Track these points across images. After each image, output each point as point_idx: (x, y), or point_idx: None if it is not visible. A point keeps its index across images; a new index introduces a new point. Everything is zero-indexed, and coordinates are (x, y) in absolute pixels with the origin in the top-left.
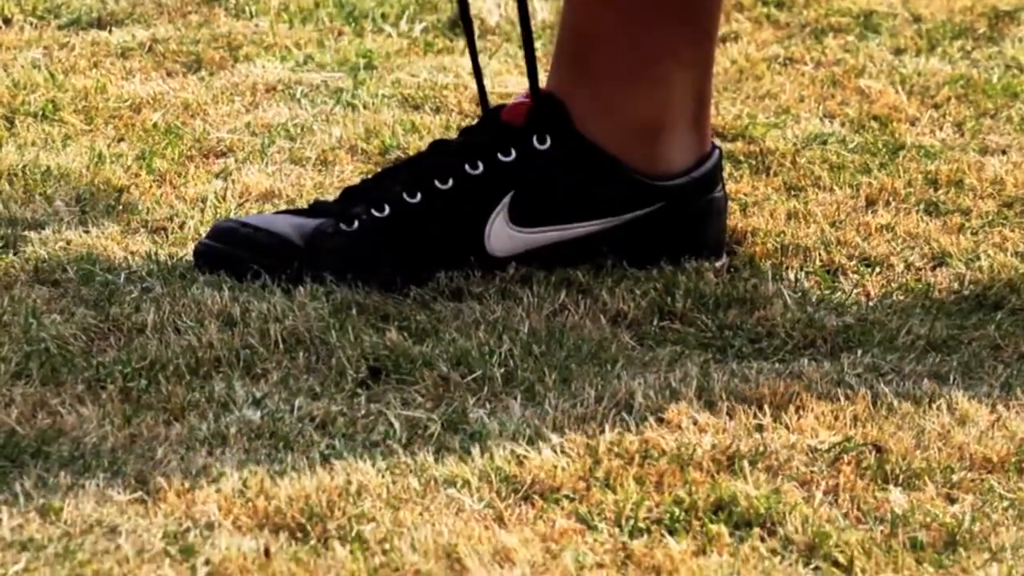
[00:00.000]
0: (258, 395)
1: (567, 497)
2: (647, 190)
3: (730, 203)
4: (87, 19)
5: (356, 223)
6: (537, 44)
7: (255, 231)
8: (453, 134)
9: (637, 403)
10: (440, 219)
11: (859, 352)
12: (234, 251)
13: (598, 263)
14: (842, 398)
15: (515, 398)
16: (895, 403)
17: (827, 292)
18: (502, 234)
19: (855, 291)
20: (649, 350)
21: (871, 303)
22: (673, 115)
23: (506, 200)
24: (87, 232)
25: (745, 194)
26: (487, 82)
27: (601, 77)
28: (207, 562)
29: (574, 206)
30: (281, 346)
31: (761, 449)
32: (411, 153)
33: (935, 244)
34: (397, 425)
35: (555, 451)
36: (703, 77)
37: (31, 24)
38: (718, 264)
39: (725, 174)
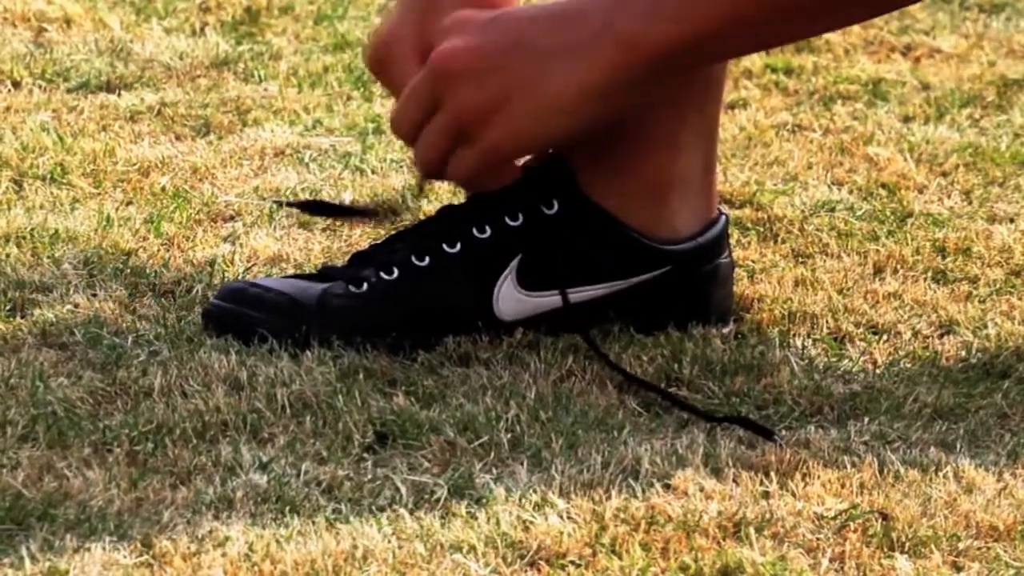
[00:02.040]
0: (265, 459)
1: (573, 563)
2: (653, 254)
3: (737, 269)
4: (96, 82)
5: (365, 285)
6: None
7: (264, 291)
8: (461, 199)
9: (643, 469)
10: (448, 282)
11: (866, 420)
12: (243, 311)
13: (605, 329)
14: (848, 466)
15: (521, 463)
16: (901, 471)
17: (834, 360)
18: (510, 298)
19: (862, 359)
20: (656, 417)
21: (878, 371)
22: (679, 179)
23: (514, 264)
24: (94, 295)
25: (753, 261)
26: None
27: (608, 141)
28: None
29: (580, 269)
30: (288, 410)
31: (767, 516)
32: (420, 218)
33: (942, 312)
34: (403, 490)
35: (561, 517)
36: (709, 142)
37: (40, 87)
38: (725, 330)
39: (733, 240)
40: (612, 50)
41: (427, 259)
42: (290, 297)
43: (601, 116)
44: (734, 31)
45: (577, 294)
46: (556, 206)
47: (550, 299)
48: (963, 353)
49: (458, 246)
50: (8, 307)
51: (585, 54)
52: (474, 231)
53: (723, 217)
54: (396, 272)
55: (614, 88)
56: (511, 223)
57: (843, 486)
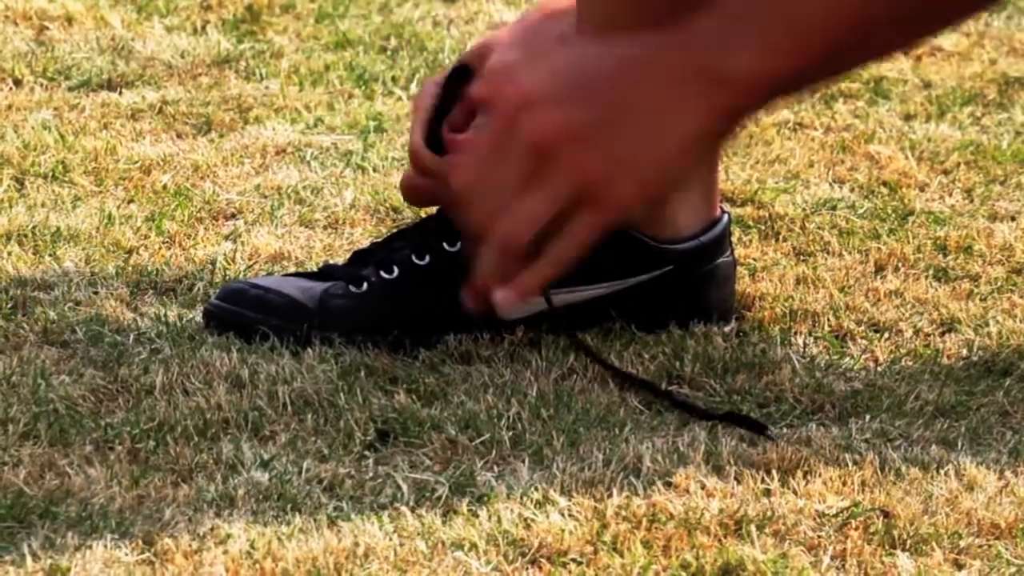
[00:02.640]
0: (266, 457)
1: (574, 561)
2: (655, 253)
3: (739, 268)
4: (97, 81)
5: (365, 285)
6: None
7: (265, 292)
8: None
9: (645, 467)
10: (449, 281)
11: (867, 417)
12: (243, 312)
13: (607, 327)
14: (850, 463)
15: (523, 461)
16: (903, 468)
17: (836, 357)
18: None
19: (863, 357)
20: (657, 414)
21: (879, 369)
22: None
23: None
24: (96, 293)
25: (754, 259)
26: None
27: None
28: None
29: (583, 269)
30: (289, 408)
31: (769, 514)
32: (421, 216)
33: (944, 310)
34: (405, 488)
35: (563, 515)
36: None
37: (41, 85)
38: (727, 329)
39: (734, 239)
40: (718, 91)
41: (427, 258)
42: (291, 298)
43: (712, 149)
44: (846, 51)
45: (578, 293)
46: None
47: (552, 298)
48: (964, 351)
49: (458, 244)
50: (10, 305)
51: (691, 98)
52: None
53: (725, 216)
54: (396, 271)
55: (724, 125)
56: None
57: (844, 484)
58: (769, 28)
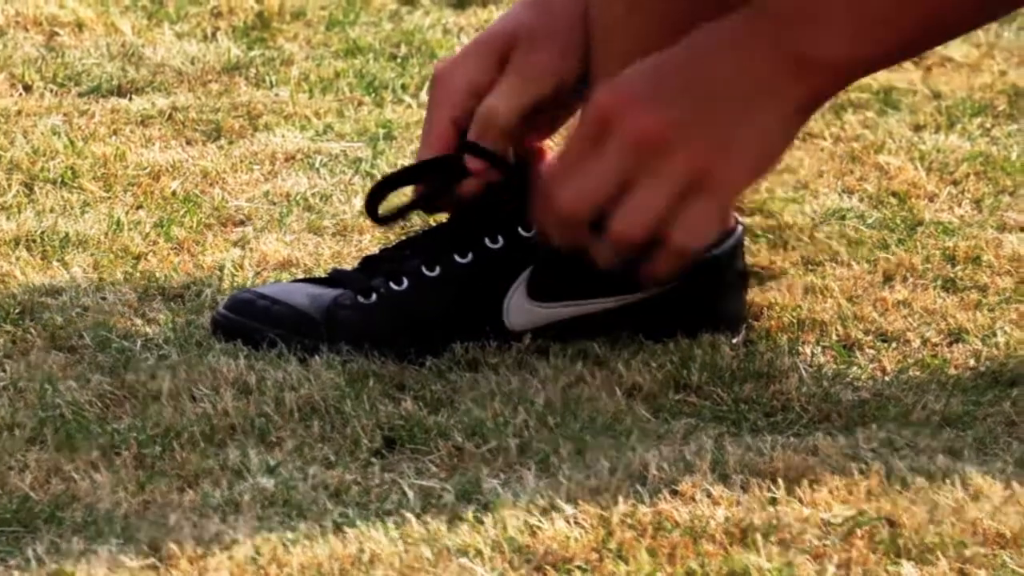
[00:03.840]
0: (272, 463)
1: (580, 568)
2: None
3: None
4: (107, 87)
5: (374, 296)
6: None
7: (272, 303)
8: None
9: (651, 475)
10: (458, 293)
11: (874, 427)
12: (250, 323)
13: (614, 335)
14: (856, 472)
15: (529, 469)
16: (909, 478)
17: (843, 367)
18: (520, 308)
19: (871, 366)
20: (664, 422)
21: (887, 378)
22: None
23: (525, 275)
24: (104, 299)
25: (763, 268)
26: None
27: None
28: None
29: (593, 282)
30: (296, 415)
31: (774, 522)
32: (431, 223)
33: (952, 320)
34: (411, 494)
35: (568, 522)
36: None
37: (51, 91)
38: (734, 339)
39: (744, 249)
40: (807, 77)
41: (437, 269)
42: (297, 310)
43: (798, 132)
44: (935, 31)
45: (588, 306)
46: None
47: (560, 310)
48: (972, 361)
49: (469, 256)
50: (17, 310)
51: (779, 87)
52: (486, 241)
53: (740, 227)
54: (406, 282)
55: (812, 109)
56: (524, 234)
57: (850, 493)
58: (858, 14)
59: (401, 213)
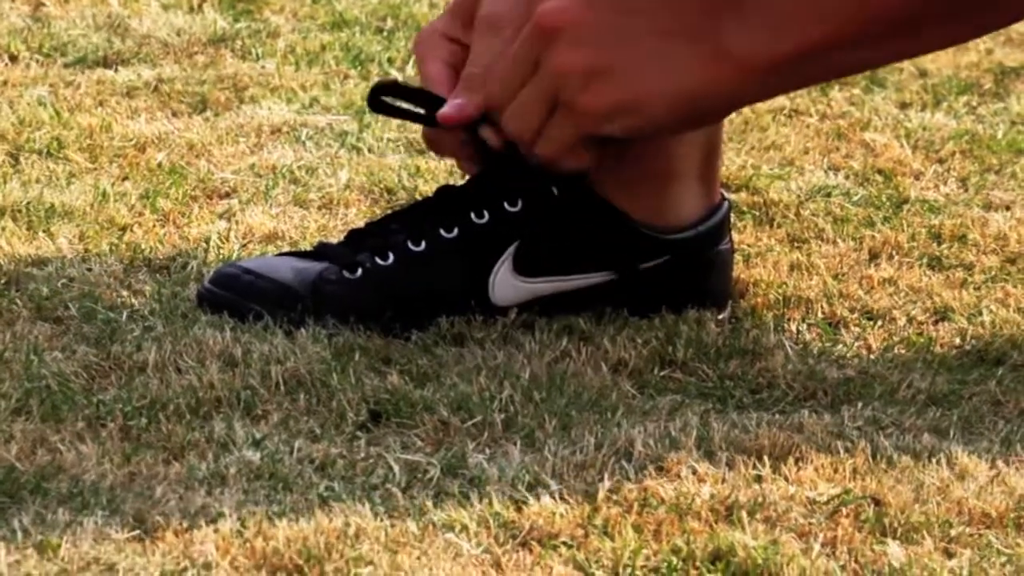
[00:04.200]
0: (258, 436)
1: (565, 544)
2: (653, 243)
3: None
4: (93, 58)
5: (359, 271)
6: None
7: (257, 278)
8: (458, 179)
9: (637, 451)
10: (444, 268)
11: (859, 405)
12: (236, 298)
13: (600, 310)
14: (842, 451)
15: (515, 444)
16: (894, 456)
17: (828, 344)
18: (506, 284)
19: (856, 344)
20: (649, 399)
21: (872, 356)
22: (681, 167)
23: (511, 250)
24: (90, 270)
25: (748, 245)
26: None
27: None
28: None
29: (579, 257)
30: (282, 388)
31: (760, 500)
32: (417, 197)
33: (937, 299)
34: (396, 469)
35: (554, 498)
36: (712, 129)
37: (37, 62)
38: (720, 316)
39: (730, 225)
40: (713, 63)
41: (423, 244)
42: (283, 285)
43: (696, 118)
44: (837, 49)
45: (574, 281)
46: (556, 192)
47: (546, 285)
48: (957, 340)
49: (455, 231)
50: (3, 281)
51: (687, 58)
52: (472, 216)
53: (725, 203)
54: (391, 257)
55: (710, 97)
56: (510, 209)
57: (836, 471)
58: (771, 12)
59: (399, 114)
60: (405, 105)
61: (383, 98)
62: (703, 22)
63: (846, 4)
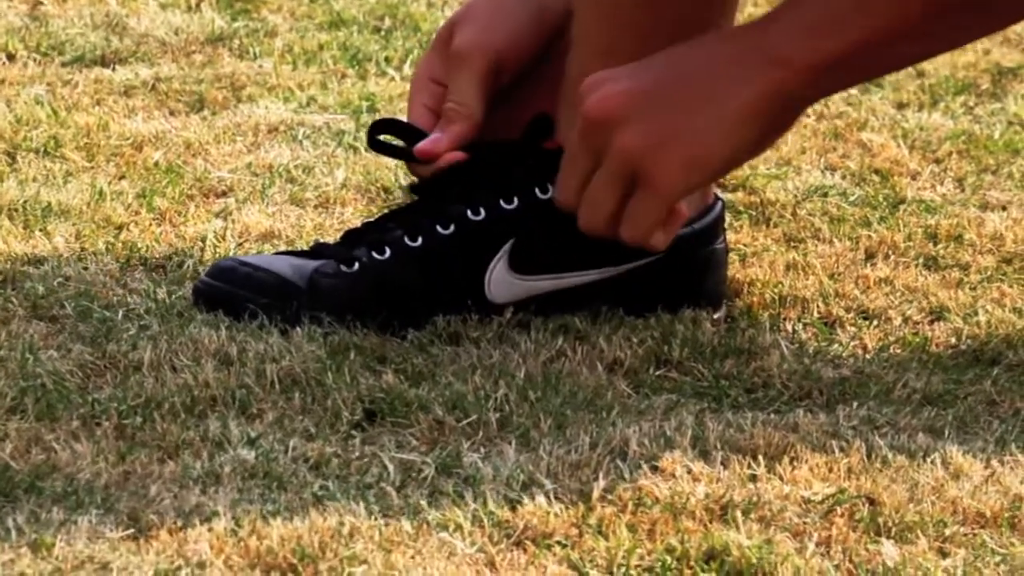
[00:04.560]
0: (253, 435)
1: (559, 543)
2: None
3: (729, 253)
4: (91, 56)
5: (356, 265)
6: None
7: (254, 270)
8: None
9: (631, 451)
10: (441, 264)
11: (855, 404)
12: (233, 290)
13: (595, 310)
14: (836, 450)
15: (509, 443)
16: (889, 456)
17: (824, 344)
18: (502, 281)
19: (852, 344)
20: (645, 398)
21: (868, 356)
22: None
23: (507, 247)
24: (86, 269)
25: (744, 245)
26: None
27: None
28: None
29: (574, 255)
30: (277, 386)
31: (754, 499)
32: (412, 197)
33: (933, 298)
34: (391, 468)
35: (548, 497)
36: None
37: (35, 60)
38: (716, 315)
39: (725, 224)
40: (768, 69)
41: (420, 240)
42: (280, 276)
43: (766, 136)
44: (889, 43)
45: (569, 279)
46: (551, 190)
47: (542, 283)
48: (953, 340)
49: (452, 228)
50: None
51: (742, 76)
52: (468, 213)
53: (719, 203)
54: (388, 252)
55: (774, 106)
56: (506, 206)
57: (831, 470)
58: (815, 11)
59: (390, 152)
60: (396, 142)
61: (378, 137)
62: (746, 39)
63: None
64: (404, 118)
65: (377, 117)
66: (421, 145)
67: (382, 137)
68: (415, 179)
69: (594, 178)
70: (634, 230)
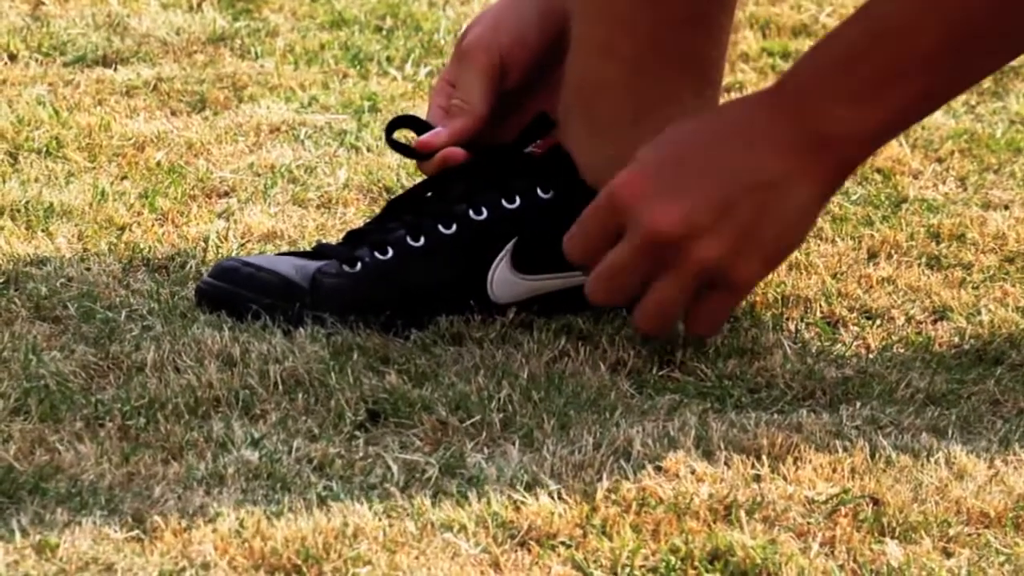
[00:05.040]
0: (256, 436)
1: (563, 544)
2: None
3: None
4: (92, 57)
5: (359, 265)
6: None
7: (257, 270)
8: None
9: (635, 451)
10: (443, 264)
11: (858, 404)
12: (236, 290)
13: (598, 310)
14: (840, 450)
15: (513, 444)
16: (893, 456)
17: (827, 344)
18: (505, 280)
19: (855, 343)
20: (648, 398)
21: (871, 356)
22: None
23: (509, 247)
24: (88, 270)
25: None
26: None
27: (606, 127)
28: None
29: None
30: (280, 387)
31: (758, 499)
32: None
33: (936, 298)
34: (395, 468)
35: (552, 497)
36: None
37: (36, 61)
38: None
39: None
40: (823, 155)
41: (422, 240)
42: (283, 276)
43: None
44: (933, 97)
45: (572, 278)
46: (552, 190)
47: (544, 282)
48: (956, 339)
49: (454, 227)
50: (2, 280)
51: (800, 170)
52: (470, 213)
53: None
54: (391, 252)
55: (837, 184)
56: (508, 206)
57: (834, 470)
58: (861, 80)
59: (402, 150)
60: (410, 137)
61: (393, 135)
62: (785, 120)
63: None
64: (421, 115)
65: (390, 117)
66: (421, 138)
67: (396, 134)
68: (416, 181)
69: (666, 287)
70: (710, 328)
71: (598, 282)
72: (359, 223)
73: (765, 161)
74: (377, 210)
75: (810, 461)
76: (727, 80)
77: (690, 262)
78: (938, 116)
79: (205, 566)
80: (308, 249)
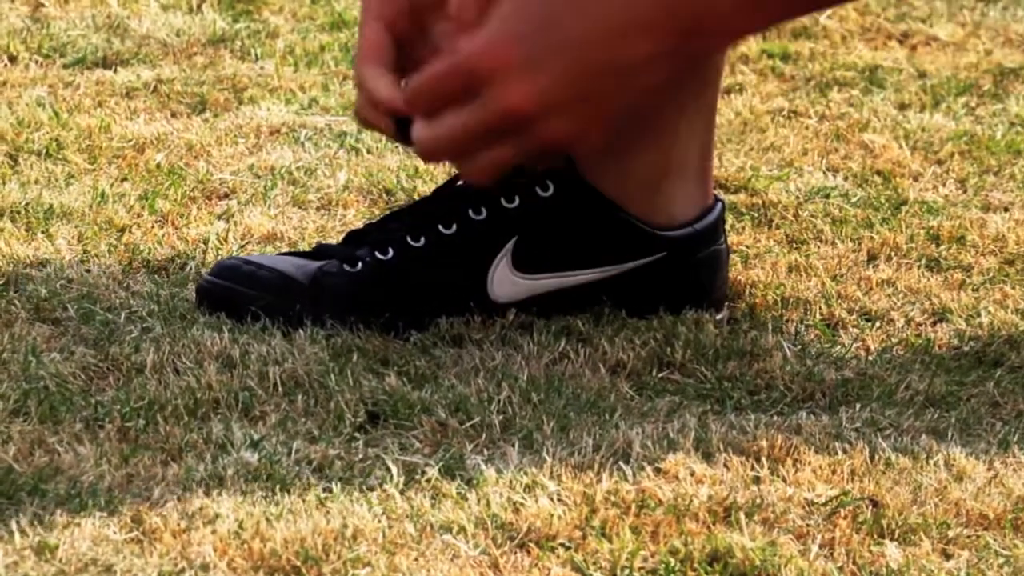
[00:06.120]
0: (256, 437)
1: (563, 545)
2: (648, 239)
3: (731, 255)
4: (92, 58)
5: (360, 264)
6: None
7: (258, 268)
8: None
9: (635, 453)
10: (443, 263)
11: (857, 406)
12: (236, 288)
13: (597, 312)
14: (839, 452)
15: (513, 445)
16: (892, 458)
17: (827, 346)
18: (505, 280)
19: (855, 345)
20: (648, 400)
21: (870, 358)
22: (676, 165)
23: (509, 246)
24: (88, 271)
25: (747, 246)
26: None
27: None
28: None
29: (576, 253)
30: (280, 389)
31: (758, 501)
32: (415, 198)
33: (936, 300)
34: (394, 470)
35: (552, 499)
36: (706, 128)
37: (36, 62)
38: (719, 316)
39: (727, 226)
40: (698, 41)
41: (422, 240)
42: (283, 274)
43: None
44: None
45: (572, 277)
46: (552, 189)
47: (544, 282)
48: (956, 341)
49: (454, 227)
50: (1, 282)
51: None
52: (470, 212)
53: (719, 204)
54: (391, 252)
55: (683, 60)
56: (507, 205)
57: (834, 472)
58: None
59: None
60: None
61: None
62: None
63: None
64: None
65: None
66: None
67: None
68: (416, 182)
69: (501, 146)
70: (482, 173)
71: (438, 143)
72: (359, 225)
73: (630, 39)
74: (377, 212)
75: (809, 463)
76: (727, 81)
77: (535, 137)
78: (938, 118)
79: (204, 567)
80: (308, 250)
